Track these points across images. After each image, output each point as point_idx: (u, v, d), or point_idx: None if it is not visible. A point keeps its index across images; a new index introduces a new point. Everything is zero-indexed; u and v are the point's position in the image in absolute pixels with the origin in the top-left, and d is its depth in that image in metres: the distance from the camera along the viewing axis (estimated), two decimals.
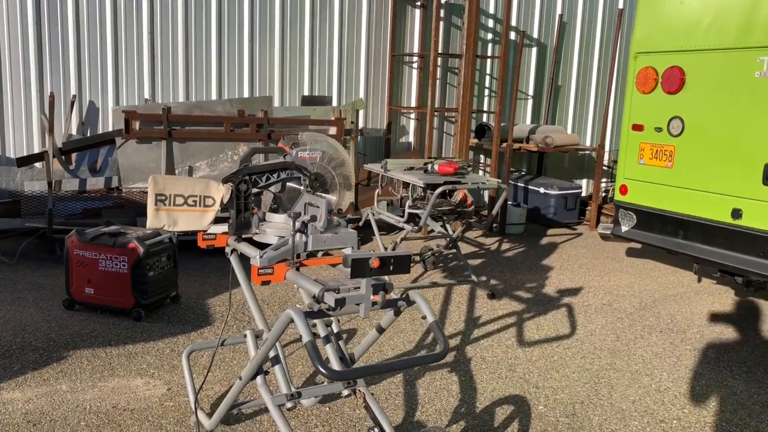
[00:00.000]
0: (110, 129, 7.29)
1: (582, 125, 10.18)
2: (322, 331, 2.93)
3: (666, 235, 5.14)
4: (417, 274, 6.33)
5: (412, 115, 8.91)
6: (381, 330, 2.97)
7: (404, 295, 2.68)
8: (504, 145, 8.19)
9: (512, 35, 9.14)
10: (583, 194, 9.54)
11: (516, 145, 8.38)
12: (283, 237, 2.84)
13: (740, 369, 4.51)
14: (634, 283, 6.43)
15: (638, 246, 7.76)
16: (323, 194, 3.09)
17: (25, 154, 6.97)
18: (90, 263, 4.81)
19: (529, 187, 8.92)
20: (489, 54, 9.11)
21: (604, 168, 9.48)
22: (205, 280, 5.81)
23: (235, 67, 7.77)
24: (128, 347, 4.33)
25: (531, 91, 9.64)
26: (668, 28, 5.07)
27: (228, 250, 3.15)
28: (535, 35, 9.46)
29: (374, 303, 2.51)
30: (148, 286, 4.78)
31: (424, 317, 2.60)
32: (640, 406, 3.89)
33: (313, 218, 2.82)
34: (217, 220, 2.92)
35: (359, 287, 2.50)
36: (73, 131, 7.24)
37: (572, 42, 9.78)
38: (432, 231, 5.68)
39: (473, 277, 5.91)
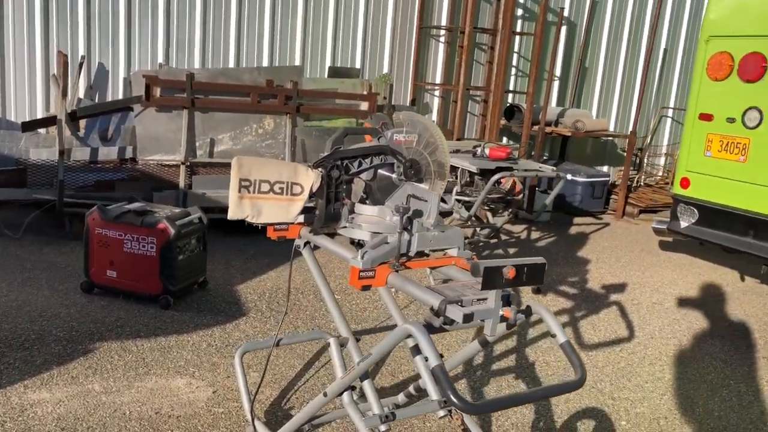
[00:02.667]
0: (120, 94, 6.78)
1: (607, 110, 9.80)
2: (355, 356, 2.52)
3: (734, 234, 4.81)
4: None
5: (437, 92, 8.47)
6: (485, 343, 2.59)
7: (524, 308, 2.29)
8: (536, 128, 7.79)
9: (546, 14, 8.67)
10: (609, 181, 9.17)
11: (547, 129, 7.99)
12: (379, 233, 2.43)
13: None
14: (678, 280, 6.11)
15: (670, 239, 7.43)
16: (417, 183, 2.68)
17: (28, 118, 6.44)
18: (113, 244, 4.36)
19: None
20: (519, 30, 8.66)
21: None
22: (230, 263, 5.38)
23: (255, 35, 7.25)
24: (160, 340, 3.91)
25: (558, 72, 9.22)
26: (749, 9, 4.68)
27: (300, 242, 2.74)
28: (566, 13, 9.01)
29: (504, 318, 2.13)
30: (177, 271, 4.35)
31: (553, 336, 2.22)
32: (728, 425, 3.57)
33: (417, 213, 2.41)
34: (303, 210, 2.50)
35: (485, 299, 2.12)
36: (81, 95, 6.70)
37: (602, 22, 9.35)
38: (473, 220, 5.29)
39: None
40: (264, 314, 4.44)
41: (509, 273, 2.04)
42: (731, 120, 4.80)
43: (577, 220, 8.27)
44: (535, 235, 7.35)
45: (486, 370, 3.92)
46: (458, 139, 7.50)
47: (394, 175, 2.65)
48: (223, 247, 5.64)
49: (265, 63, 7.35)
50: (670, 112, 10.21)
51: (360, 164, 2.56)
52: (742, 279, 6.30)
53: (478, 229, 5.85)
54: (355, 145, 2.62)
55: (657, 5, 8.27)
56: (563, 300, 5.27)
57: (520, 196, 5.28)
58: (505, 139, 9.00)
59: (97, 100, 6.75)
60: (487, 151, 5.10)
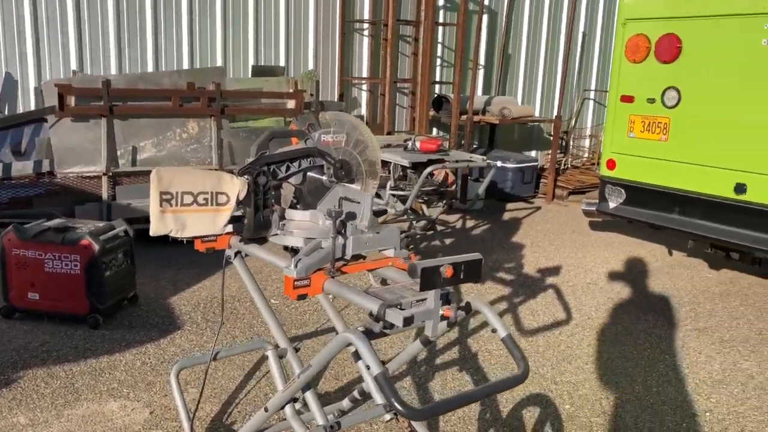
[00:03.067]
0: (32, 105, 6.44)
1: (531, 95, 9.97)
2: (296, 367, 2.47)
3: (660, 211, 4.95)
4: None
5: (365, 87, 8.41)
6: (427, 342, 2.56)
7: (463, 304, 2.26)
8: (464, 117, 7.84)
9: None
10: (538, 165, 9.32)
11: (474, 118, 8.04)
12: (312, 239, 2.36)
13: (746, 349, 4.38)
14: (610, 259, 6.26)
15: (599, 219, 7.62)
16: (348, 184, 2.61)
17: None
18: (33, 264, 4.12)
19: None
20: (441, 21, 8.69)
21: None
22: (159, 274, 5.19)
23: (173, 36, 7.01)
24: (91, 362, 3.72)
25: (482, 61, 9.31)
26: None
27: (231, 253, 2.64)
28: (486, 2, 9.10)
29: (444, 317, 2.10)
30: (105, 288, 4.15)
31: (494, 331, 2.20)
32: (666, 399, 3.66)
33: (350, 216, 2.35)
34: (231, 220, 2.40)
35: (424, 299, 2.08)
36: None
37: (522, 8, 9.49)
38: (408, 213, 5.27)
39: None
40: (200, 326, 4.29)
41: (447, 272, 2.01)
42: (651, 100, 4.92)
43: (509, 205, 8.39)
44: (470, 223, 7.40)
45: (430, 364, 3.90)
46: (389, 133, 7.47)
47: (324, 177, 2.58)
48: (152, 259, 5.44)
49: (186, 66, 7.12)
50: (592, 95, 10.47)
51: (288, 168, 2.47)
52: (670, 253, 6.51)
53: (414, 222, 5.84)
54: (281, 149, 2.54)
55: None
56: (501, 287, 5.31)
57: (453, 186, 5.29)
58: (435, 130, 9.02)
59: (6, 112, 6.38)
60: (417, 144, 5.08)
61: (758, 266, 4.74)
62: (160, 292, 4.83)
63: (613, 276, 5.76)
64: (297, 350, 2.64)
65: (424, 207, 5.60)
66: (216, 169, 5.49)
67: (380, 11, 8.06)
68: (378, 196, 5.21)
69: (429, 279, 2.00)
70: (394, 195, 4.99)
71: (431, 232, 5.74)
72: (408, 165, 4.79)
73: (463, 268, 2.08)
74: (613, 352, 4.23)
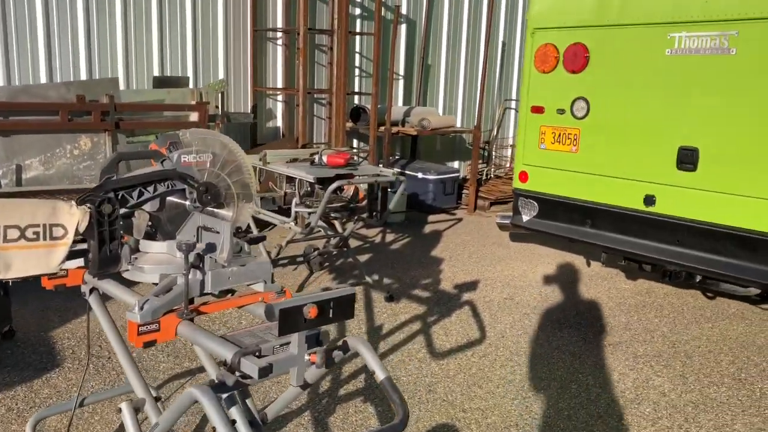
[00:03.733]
0: None
1: (453, 105, 9.88)
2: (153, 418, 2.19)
3: (572, 224, 4.84)
4: (302, 278, 5.64)
5: (280, 98, 8.11)
6: (306, 386, 2.30)
7: (341, 343, 2.03)
8: (382, 128, 7.65)
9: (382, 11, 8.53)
10: (460, 176, 9.21)
11: (393, 129, 7.86)
12: (169, 274, 2.08)
13: (659, 364, 4.30)
14: (528, 272, 6.16)
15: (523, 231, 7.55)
16: (217, 210, 2.34)
17: None
18: None
19: (406, 172, 8.45)
20: (358, 30, 8.49)
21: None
22: (46, 304, 4.75)
23: (68, 45, 6.55)
24: None
25: (402, 71, 9.16)
26: (570, 1, 4.72)
27: (86, 289, 2.34)
28: (404, 11, 8.96)
29: (311, 363, 1.86)
30: None
31: (372, 373, 1.97)
32: (577, 423, 3.51)
33: (210, 247, 2.07)
34: (72, 254, 2.08)
35: (288, 343, 1.84)
36: None
37: (441, 18, 9.39)
38: (317, 230, 5.02)
39: (367, 278, 5.34)
40: (83, 362, 3.91)
41: (310, 312, 1.77)
42: (561, 111, 4.83)
43: (431, 218, 8.23)
44: (389, 237, 7.20)
45: (332, 396, 3.65)
46: (304, 145, 7.20)
47: (187, 203, 2.29)
48: (37, 287, 4.97)
49: (84, 75, 6.66)
50: (513, 104, 10.47)
51: (141, 194, 2.18)
52: (588, 264, 6.47)
53: (332, 239, 5.58)
54: (133, 172, 2.24)
55: (489, 1, 8.38)
56: (415, 305, 5.11)
57: (364, 202, 5.06)
58: (355, 142, 8.80)
59: None
60: (324, 158, 4.83)
61: (668, 279, 4.69)
62: (44, 324, 4.41)
63: (530, 290, 5.64)
64: (158, 399, 2.34)
65: (337, 224, 5.35)
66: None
67: (294, 19, 7.80)
68: (285, 212, 4.94)
69: (289, 321, 1.75)
70: (299, 212, 4.72)
71: (345, 249, 5.49)
72: (312, 180, 4.53)
73: (333, 306, 1.84)
74: (525, 373, 4.07)
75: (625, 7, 4.41)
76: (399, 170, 4.80)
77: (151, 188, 2.20)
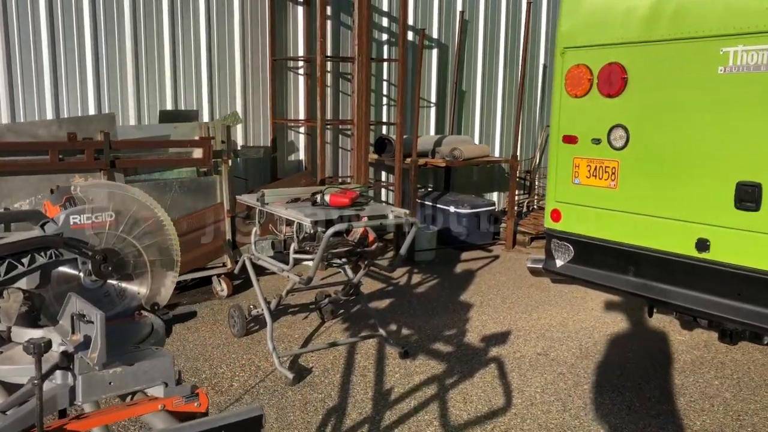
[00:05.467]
0: None
1: (490, 134, 9.28)
2: None
3: (613, 272, 4.17)
4: (312, 328, 5.11)
5: (302, 129, 7.68)
6: None
7: None
8: (408, 160, 7.11)
9: (410, 35, 8.05)
10: (497, 209, 8.57)
11: (421, 160, 7.31)
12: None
13: None
14: (568, 321, 5.47)
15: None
16: (122, 283, 1.83)
17: None
18: None
19: (438, 205, 7.88)
20: (386, 57, 8.02)
21: (518, 179, 8.55)
22: None
23: (76, 80, 6.26)
24: None
25: (434, 98, 8.63)
26: (603, 16, 4.12)
27: None
28: (435, 35, 8.46)
29: None
30: None
31: None
32: None
33: (85, 343, 1.55)
34: None
35: None
36: None
37: (476, 42, 8.85)
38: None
39: (380, 331, 4.76)
40: None
41: None
42: (597, 141, 4.19)
43: (464, 255, 7.61)
44: (415, 278, 6.61)
45: None
46: (323, 180, 6.71)
47: (81, 275, 1.79)
48: None
49: (92, 112, 6.36)
50: None
51: (11, 267, 1.69)
52: (650, 315, 5.72)
53: (340, 288, 5.05)
54: (4, 239, 1.75)
55: (527, 21, 7.80)
56: (434, 363, 4.49)
57: (374, 246, 4.50)
58: (384, 174, 8.29)
59: None
60: (327, 198, 4.31)
61: (729, 339, 3.96)
62: None
63: (569, 343, 4.96)
64: None
65: (347, 269, 4.81)
66: None
67: (315, 47, 7.38)
68: (279, 254, 4.42)
69: None
70: (298, 259, 4.20)
71: (355, 296, 4.95)
72: (308, 223, 4.01)
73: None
74: None
75: (668, 20, 3.77)
76: (408, 212, 4.24)
77: (26, 260, 1.71)
